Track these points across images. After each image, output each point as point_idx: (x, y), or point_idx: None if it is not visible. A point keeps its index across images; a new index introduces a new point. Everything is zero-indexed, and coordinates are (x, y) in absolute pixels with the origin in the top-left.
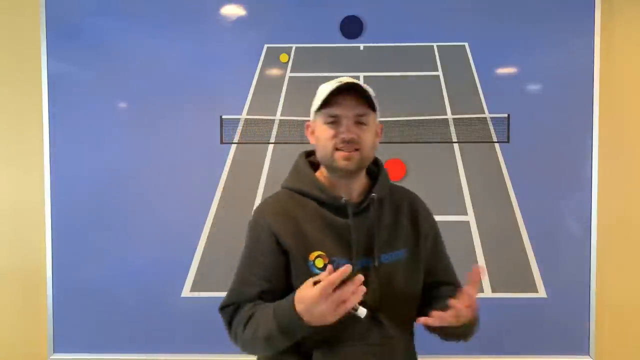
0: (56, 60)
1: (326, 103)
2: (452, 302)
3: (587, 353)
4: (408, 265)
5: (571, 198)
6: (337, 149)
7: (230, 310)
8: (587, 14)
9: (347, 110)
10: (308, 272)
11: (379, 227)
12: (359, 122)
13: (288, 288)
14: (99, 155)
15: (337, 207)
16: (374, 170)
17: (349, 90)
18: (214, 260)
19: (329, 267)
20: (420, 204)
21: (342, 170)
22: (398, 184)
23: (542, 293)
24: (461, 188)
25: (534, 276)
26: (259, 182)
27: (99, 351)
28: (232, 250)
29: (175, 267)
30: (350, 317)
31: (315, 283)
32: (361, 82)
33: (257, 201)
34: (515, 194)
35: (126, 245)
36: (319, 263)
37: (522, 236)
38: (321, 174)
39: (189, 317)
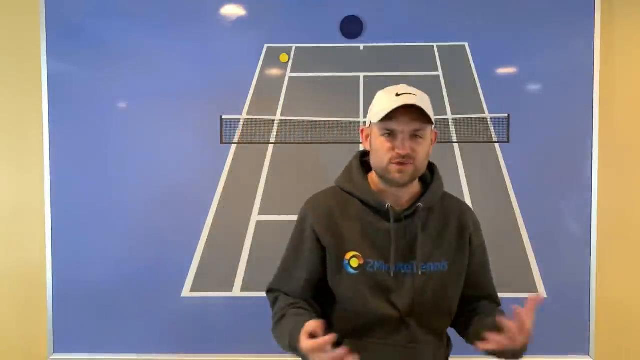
0: (56, 60)
1: (383, 117)
2: (508, 325)
3: (587, 353)
4: (447, 278)
5: (571, 198)
6: (392, 162)
7: (272, 297)
8: (587, 14)
9: (403, 125)
10: (343, 270)
11: (423, 236)
12: (415, 136)
13: (327, 279)
14: (99, 155)
15: (381, 212)
16: (428, 177)
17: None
18: (214, 260)
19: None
20: (471, 217)
21: (396, 183)
22: None
23: (542, 293)
24: (461, 188)
25: (534, 276)
26: (259, 182)
27: (99, 351)
28: (232, 250)
29: (175, 267)
30: (376, 318)
31: (311, 334)
32: (361, 81)
33: (257, 201)
34: (515, 194)
35: (126, 245)
36: (354, 263)
37: (522, 236)
38: (372, 177)
39: (189, 317)
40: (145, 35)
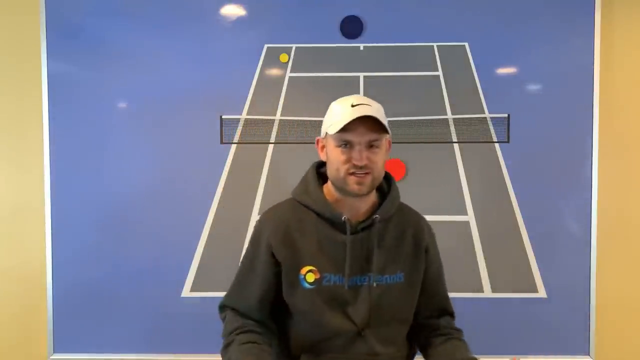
0: (56, 60)
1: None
2: None
3: (587, 353)
4: (403, 289)
5: (571, 198)
6: (349, 174)
7: (224, 315)
8: (587, 14)
9: (359, 136)
10: (298, 285)
11: (379, 247)
12: (371, 146)
13: (281, 296)
14: (99, 155)
15: (337, 224)
16: (385, 187)
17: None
18: (214, 260)
19: None
20: (427, 228)
21: (354, 195)
22: (397, 184)
23: (542, 293)
24: (461, 188)
25: (534, 276)
26: (259, 182)
27: (99, 351)
28: (232, 250)
29: (175, 267)
30: (332, 332)
31: None
32: (361, 81)
33: (257, 201)
34: (515, 194)
35: (126, 245)
36: (310, 277)
37: (522, 236)
38: (328, 188)
39: (189, 317)
40: (145, 35)
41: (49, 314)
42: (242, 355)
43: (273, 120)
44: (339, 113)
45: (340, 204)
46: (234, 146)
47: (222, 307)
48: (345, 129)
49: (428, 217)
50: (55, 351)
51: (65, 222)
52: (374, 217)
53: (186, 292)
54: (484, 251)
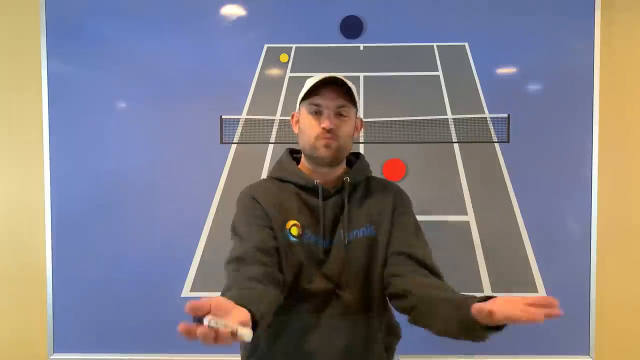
0: (56, 60)
1: (310, 93)
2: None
3: (587, 353)
4: (375, 244)
5: (571, 198)
6: (318, 139)
7: (230, 267)
8: (587, 14)
9: (328, 100)
10: (285, 238)
11: (348, 206)
12: (339, 114)
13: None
14: (99, 155)
15: (312, 190)
16: (354, 162)
17: (331, 84)
18: (214, 260)
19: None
20: (396, 190)
21: (322, 158)
22: (398, 184)
23: (542, 293)
24: (461, 188)
25: (534, 276)
26: None
27: (99, 351)
28: None
29: (175, 267)
30: (309, 291)
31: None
32: (361, 81)
33: None
34: (515, 194)
35: (126, 245)
36: (294, 231)
37: (522, 236)
38: (302, 165)
39: (189, 317)
40: (145, 35)
41: (49, 314)
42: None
43: (273, 120)
44: (311, 82)
45: (313, 174)
46: (234, 146)
47: (231, 261)
48: (315, 92)
49: (428, 217)
50: (55, 351)
51: (65, 222)
52: (345, 179)
53: (186, 292)
54: (484, 251)
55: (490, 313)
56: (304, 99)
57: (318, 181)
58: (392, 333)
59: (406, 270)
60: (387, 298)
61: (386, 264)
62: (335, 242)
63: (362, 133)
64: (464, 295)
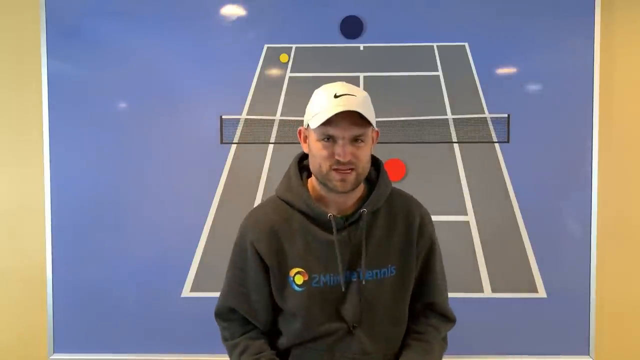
0: (56, 60)
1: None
2: None
3: (587, 353)
4: (396, 284)
5: (571, 198)
6: (332, 169)
7: (223, 318)
8: (587, 14)
9: (343, 131)
10: (288, 287)
11: (368, 243)
12: (355, 140)
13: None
14: (99, 155)
15: (323, 223)
16: (373, 175)
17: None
18: (214, 260)
19: None
20: (419, 214)
21: (337, 191)
22: (397, 184)
23: (542, 293)
24: (461, 188)
25: (534, 276)
26: (259, 182)
27: (99, 351)
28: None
29: (175, 267)
30: (328, 331)
31: None
32: (361, 81)
33: (257, 201)
34: (515, 194)
35: (126, 245)
36: (299, 280)
37: (522, 236)
38: (312, 183)
39: (189, 317)
40: (145, 35)
41: (49, 314)
42: None
43: (273, 120)
44: (321, 104)
45: (325, 199)
46: (234, 146)
47: (222, 311)
48: (327, 122)
49: None
50: (55, 351)
51: (65, 222)
52: (361, 210)
53: (186, 292)
54: (484, 251)
55: None
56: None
57: (331, 215)
58: None
59: (415, 317)
60: None
61: (410, 301)
62: (352, 279)
63: None
64: None
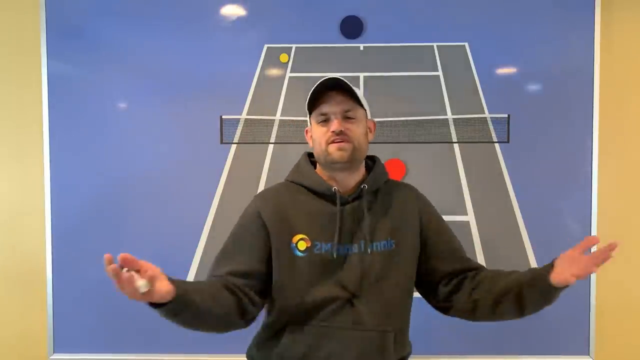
0: (56, 60)
1: (315, 103)
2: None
3: (587, 353)
4: (394, 257)
5: (571, 198)
6: (329, 143)
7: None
8: (587, 14)
9: (334, 106)
10: (290, 253)
11: (369, 216)
12: (347, 117)
13: (271, 268)
14: (99, 155)
15: (329, 196)
16: (371, 166)
17: (334, 89)
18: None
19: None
20: (415, 194)
21: (338, 162)
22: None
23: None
24: (461, 188)
25: None
26: (259, 182)
27: (99, 351)
28: None
29: (175, 267)
30: (321, 299)
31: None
32: (361, 81)
33: None
34: (515, 194)
35: (126, 245)
36: (301, 245)
37: (522, 236)
38: (319, 171)
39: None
40: (145, 35)
41: (49, 314)
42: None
43: (273, 120)
44: (313, 90)
45: (331, 181)
46: (234, 146)
47: (215, 260)
48: (319, 100)
49: None
50: (55, 351)
51: (65, 222)
52: (362, 186)
53: None
54: (484, 251)
55: (569, 279)
56: (310, 111)
57: (336, 188)
58: (405, 349)
59: (463, 286)
60: (452, 314)
61: (437, 279)
62: (353, 251)
63: None
64: (522, 272)
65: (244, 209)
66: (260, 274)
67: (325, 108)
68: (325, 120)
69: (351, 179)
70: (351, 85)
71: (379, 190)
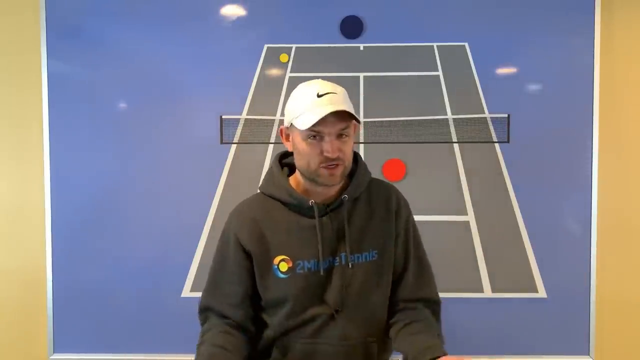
0: (56, 60)
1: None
2: None
3: (587, 353)
4: (377, 268)
5: (571, 198)
6: (321, 167)
7: (203, 317)
8: (587, 14)
9: (330, 127)
10: (272, 275)
11: (349, 227)
12: (340, 135)
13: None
14: (99, 155)
15: (306, 209)
16: (352, 167)
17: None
18: None
19: None
20: (396, 200)
21: (327, 184)
22: (397, 184)
23: (542, 293)
24: (461, 188)
25: (534, 276)
26: (259, 182)
27: (99, 351)
28: None
29: (175, 267)
30: (306, 317)
31: None
32: (361, 81)
33: None
34: (515, 194)
35: (126, 245)
36: (283, 267)
37: (522, 236)
38: (296, 178)
39: (189, 317)
40: (145, 35)
41: (49, 314)
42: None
43: (273, 120)
44: (306, 104)
45: (308, 192)
46: (234, 146)
47: (202, 310)
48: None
49: (428, 217)
50: (55, 351)
51: (65, 222)
52: (342, 197)
53: (186, 292)
54: (484, 251)
55: None
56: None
57: (313, 201)
58: (387, 350)
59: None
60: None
61: (392, 291)
62: (335, 264)
63: (362, 133)
64: (419, 343)
65: (222, 230)
66: (254, 296)
67: (320, 128)
68: (316, 137)
69: (331, 189)
70: (347, 100)
71: (360, 196)
